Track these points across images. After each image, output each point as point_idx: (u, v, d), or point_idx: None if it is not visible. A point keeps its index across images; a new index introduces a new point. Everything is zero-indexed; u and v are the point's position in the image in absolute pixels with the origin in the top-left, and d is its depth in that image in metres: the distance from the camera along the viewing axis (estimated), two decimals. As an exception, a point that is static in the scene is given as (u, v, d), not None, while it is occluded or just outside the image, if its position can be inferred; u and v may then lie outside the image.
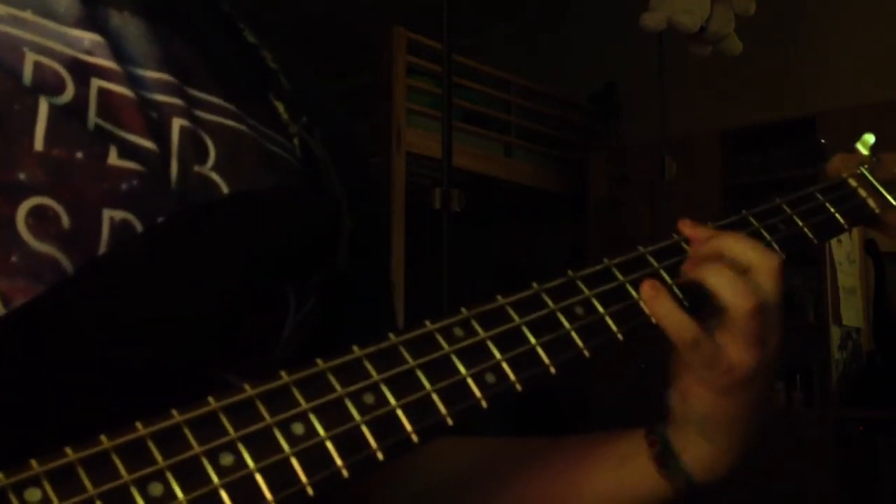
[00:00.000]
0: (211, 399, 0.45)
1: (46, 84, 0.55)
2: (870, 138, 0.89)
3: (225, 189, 0.61)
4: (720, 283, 0.64)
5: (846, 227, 0.81)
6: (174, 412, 0.43)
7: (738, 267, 0.66)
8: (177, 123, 0.60)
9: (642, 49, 4.34)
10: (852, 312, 4.37)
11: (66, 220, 0.53)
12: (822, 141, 0.92)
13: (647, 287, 0.64)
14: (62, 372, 0.48)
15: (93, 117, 0.56)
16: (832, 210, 0.81)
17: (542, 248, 5.63)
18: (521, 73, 5.19)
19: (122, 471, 0.40)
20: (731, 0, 3.92)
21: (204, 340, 0.55)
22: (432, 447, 0.63)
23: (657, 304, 0.64)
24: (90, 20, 0.59)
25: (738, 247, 0.67)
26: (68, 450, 0.40)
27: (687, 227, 0.71)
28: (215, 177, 0.61)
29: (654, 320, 0.64)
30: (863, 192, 0.84)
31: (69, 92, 0.56)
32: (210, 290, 0.55)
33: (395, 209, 4.24)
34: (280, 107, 0.70)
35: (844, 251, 4.32)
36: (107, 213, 0.54)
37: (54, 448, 0.41)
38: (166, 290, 0.53)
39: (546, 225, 5.70)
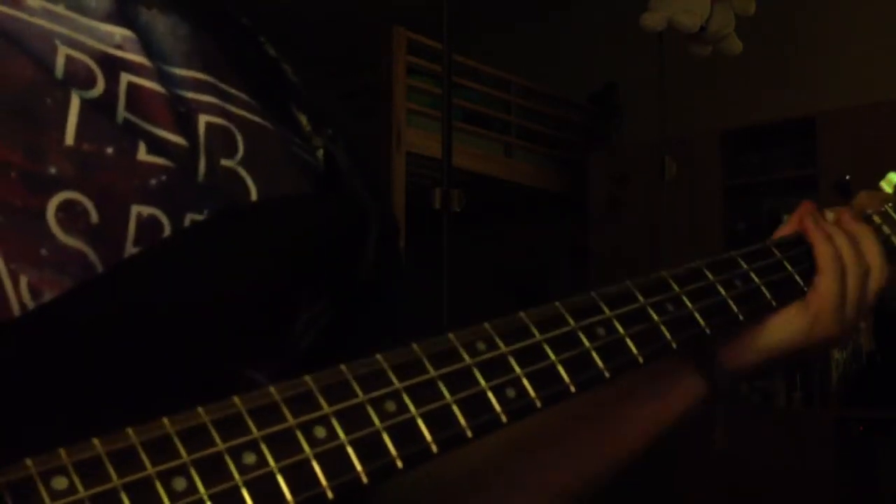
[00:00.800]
0: (236, 399, 0.45)
1: (77, 78, 0.55)
2: (894, 177, 0.93)
3: (251, 184, 0.61)
4: (831, 256, 0.78)
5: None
6: (200, 410, 0.44)
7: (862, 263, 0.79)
8: (203, 119, 0.60)
9: (642, 49, 4.34)
10: (852, 312, 4.36)
11: (94, 215, 0.53)
12: (847, 177, 0.95)
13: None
14: (89, 367, 0.48)
15: (122, 112, 0.57)
16: None
17: (542, 248, 5.63)
18: (521, 73, 5.19)
19: (147, 464, 0.41)
20: (731, 0, 3.93)
21: (227, 339, 0.55)
22: None
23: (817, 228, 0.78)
24: (121, 15, 0.60)
25: (872, 243, 0.80)
26: (95, 441, 0.41)
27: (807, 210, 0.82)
28: (242, 172, 0.61)
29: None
30: (886, 230, 0.88)
31: (99, 86, 0.56)
32: (236, 292, 0.55)
33: (396, 209, 4.23)
34: (303, 119, 0.71)
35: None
36: (135, 209, 0.54)
37: (80, 441, 0.41)
38: (193, 291, 0.53)
39: (546, 225, 5.70)
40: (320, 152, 0.70)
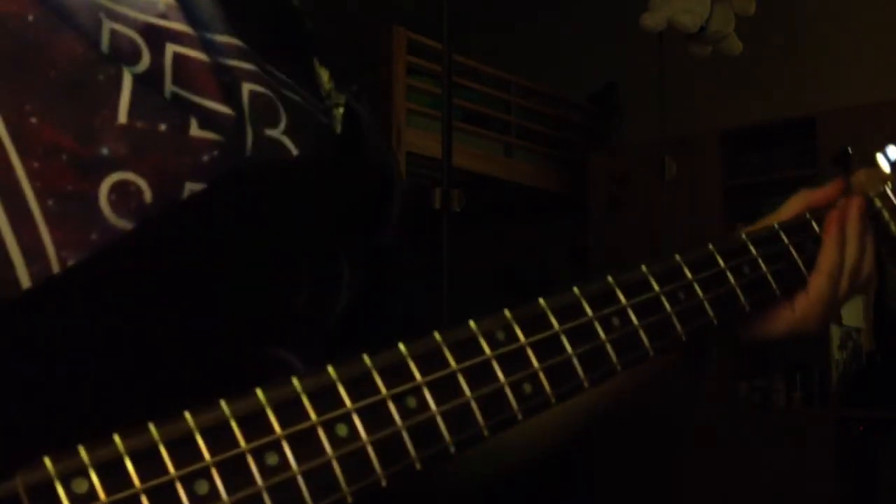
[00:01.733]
0: (259, 393, 0.44)
1: (123, 53, 0.54)
2: (891, 152, 0.89)
3: (296, 153, 0.60)
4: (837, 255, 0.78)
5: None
6: (223, 404, 0.43)
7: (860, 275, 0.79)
8: (247, 88, 0.59)
9: (642, 49, 4.34)
10: (852, 312, 4.34)
11: (148, 195, 0.52)
12: (849, 149, 0.91)
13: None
14: (112, 338, 0.47)
15: (169, 85, 0.55)
16: None
17: (542, 248, 5.62)
18: (521, 73, 5.19)
19: (170, 465, 0.40)
20: (731, 0, 3.93)
21: (262, 311, 0.54)
22: None
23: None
24: None
25: (871, 259, 0.80)
26: (117, 438, 0.40)
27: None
28: (287, 141, 0.59)
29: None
30: (886, 215, 0.85)
31: (145, 60, 0.55)
32: (270, 253, 0.54)
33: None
34: (325, 75, 0.69)
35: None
36: (188, 186, 0.53)
37: (102, 421, 0.40)
38: (223, 255, 0.52)
39: (546, 225, 5.69)
40: (339, 110, 0.68)
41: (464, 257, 3.48)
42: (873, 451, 4.20)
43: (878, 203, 0.85)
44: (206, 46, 0.58)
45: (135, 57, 0.54)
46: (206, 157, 0.54)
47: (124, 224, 0.51)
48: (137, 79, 0.53)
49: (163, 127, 0.53)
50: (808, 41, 4.86)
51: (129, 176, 0.51)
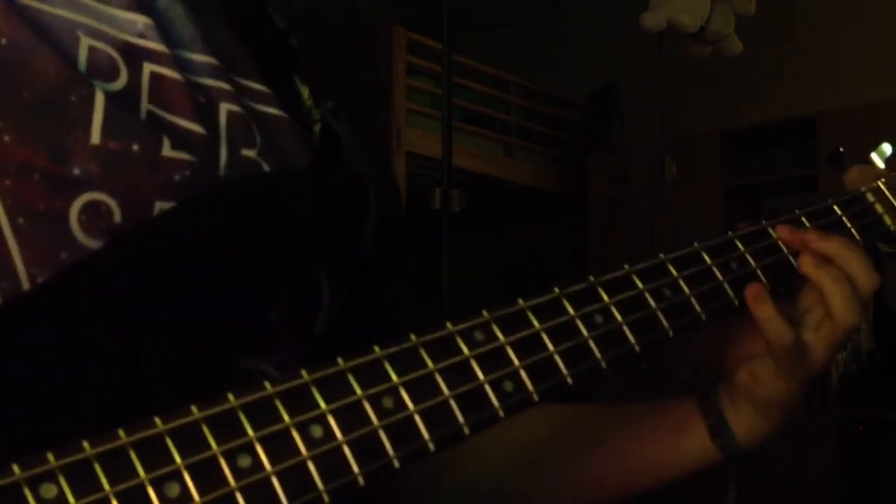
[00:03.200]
0: (231, 396, 0.44)
1: (100, 70, 0.54)
2: (886, 149, 0.89)
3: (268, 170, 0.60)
4: (837, 293, 0.70)
5: (861, 243, 0.81)
6: (194, 408, 0.43)
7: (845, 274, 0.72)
8: (224, 108, 0.59)
9: (642, 49, 4.33)
10: (852, 312, 4.36)
11: (117, 214, 0.52)
12: (841, 149, 0.91)
13: (754, 290, 0.70)
14: (83, 355, 0.47)
15: (145, 104, 0.56)
16: (849, 225, 0.81)
17: (543, 249, 5.62)
18: (521, 73, 5.19)
19: (140, 469, 0.40)
20: (731, 0, 3.92)
21: (237, 324, 0.54)
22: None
23: (763, 308, 0.69)
24: (140, 2, 0.58)
25: (852, 260, 0.73)
26: (86, 444, 0.40)
27: (786, 232, 0.75)
28: (262, 161, 0.60)
29: (757, 320, 0.69)
30: (879, 208, 0.84)
31: (122, 78, 0.55)
32: (243, 269, 0.54)
33: (395, 209, 4.23)
34: (305, 91, 0.70)
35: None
36: (158, 205, 0.53)
37: (72, 433, 0.40)
38: (196, 269, 0.52)
39: (546, 225, 5.69)
40: (318, 126, 0.69)
41: (464, 257, 3.48)
42: (873, 451, 4.19)
43: (870, 197, 0.84)
44: (183, 66, 0.58)
45: (112, 74, 0.55)
46: (177, 177, 0.54)
47: (94, 244, 0.51)
48: (112, 98, 0.54)
49: (135, 147, 0.53)
50: (808, 41, 4.86)
51: (99, 196, 0.52)
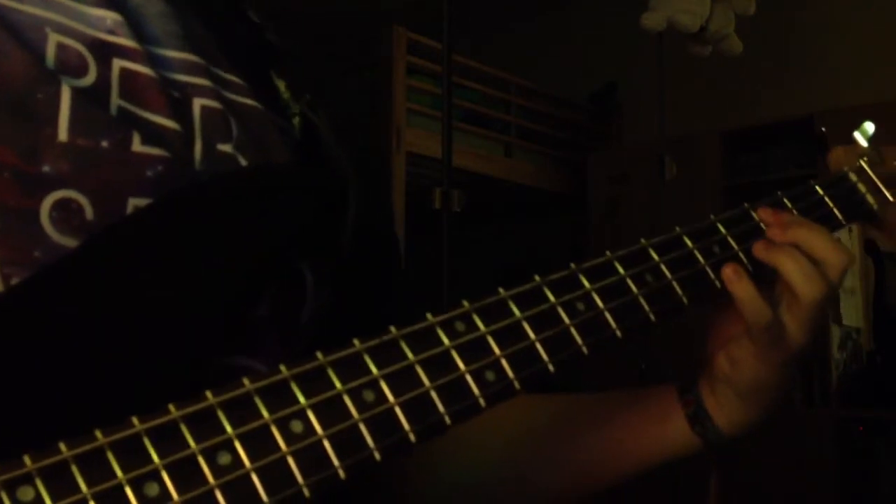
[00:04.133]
0: (209, 394, 0.44)
1: (69, 66, 0.54)
2: (868, 128, 0.88)
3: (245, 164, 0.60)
4: (795, 270, 0.70)
5: (844, 223, 0.81)
6: (172, 407, 0.43)
7: (810, 257, 0.71)
8: (198, 103, 0.59)
9: (642, 49, 4.33)
10: (852, 312, 4.37)
11: (89, 212, 0.52)
12: (823, 129, 0.91)
13: (731, 269, 0.70)
14: (63, 354, 0.47)
15: (115, 99, 0.55)
16: (831, 205, 0.80)
17: (543, 249, 5.62)
18: (521, 73, 5.19)
19: (118, 469, 0.40)
20: (731, 0, 3.92)
21: (219, 321, 0.54)
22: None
23: (740, 286, 0.69)
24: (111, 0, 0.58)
25: (816, 239, 0.72)
26: (62, 445, 0.40)
27: (766, 213, 0.76)
28: (238, 155, 0.60)
29: (735, 299, 0.69)
30: (862, 188, 0.84)
31: (91, 74, 0.55)
32: (225, 265, 0.54)
33: (395, 209, 4.24)
34: (281, 85, 0.70)
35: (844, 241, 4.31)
36: (132, 202, 0.53)
37: (50, 437, 0.40)
38: (176, 267, 0.52)
39: (546, 225, 5.69)
40: (297, 120, 0.69)
41: (464, 257, 3.48)
42: (873, 451, 4.19)
43: (853, 177, 0.84)
44: (155, 62, 0.58)
45: (81, 70, 0.55)
46: (149, 173, 0.54)
47: (67, 241, 0.51)
48: (80, 94, 0.53)
49: (105, 143, 0.53)
50: (808, 41, 4.86)
51: (70, 194, 0.52)
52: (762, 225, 0.75)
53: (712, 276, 0.70)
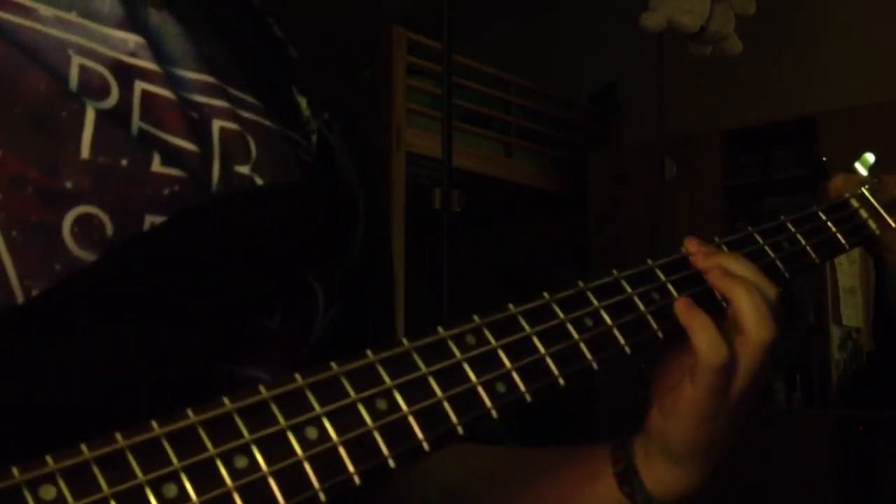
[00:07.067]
0: (226, 400, 0.45)
1: (92, 88, 0.55)
2: (869, 158, 0.91)
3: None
4: (746, 302, 0.65)
5: (847, 247, 0.83)
6: (189, 412, 0.43)
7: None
8: (217, 125, 0.60)
9: (642, 49, 4.34)
10: (852, 312, 4.38)
11: (109, 228, 0.53)
12: (824, 159, 0.93)
13: (684, 302, 0.65)
14: (79, 366, 0.48)
15: (136, 121, 0.56)
16: (833, 230, 0.82)
17: (543, 249, 5.63)
18: (521, 73, 5.19)
19: (137, 471, 0.40)
20: (731, 0, 3.93)
21: (230, 332, 0.54)
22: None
23: (693, 318, 0.64)
24: (132, 21, 0.59)
25: (757, 274, 0.68)
26: (84, 447, 0.40)
27: (693, 245, 0.71)
28: (255, 177, 0.60)
29: (687, 332, 0.64)
30: (864, 213, 0.86)
31: (114, 96, 0.56)
32: (237, 279, 0.55)
33: (395, 209, 4.24)
34: (303, 102, 0.70)
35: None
36: (149, 219, 0.54)
37: (70, 442, 0.41)
38: (189, 279, 0.53)
39: (546, 225, 5.70)
40: (314, 136, 0.69)
41: (464, 257, 3.48)
42: (873, 451, 4.19)
43: (854, 203, 0.86)
44: (175, 84, 0.59)
45: (103, 92, 0.55)
46: (166, 191, 0.55)
47: (87, 255, 0.52)
48: (103, 114, 0.54)
49: (124, 162, 0.54)
50: (808, 41, 4.86)
51: (91, 209, 0.52)
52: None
53: (719, 298, 0.68)
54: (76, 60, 0.55)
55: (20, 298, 0.49)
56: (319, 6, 5.19)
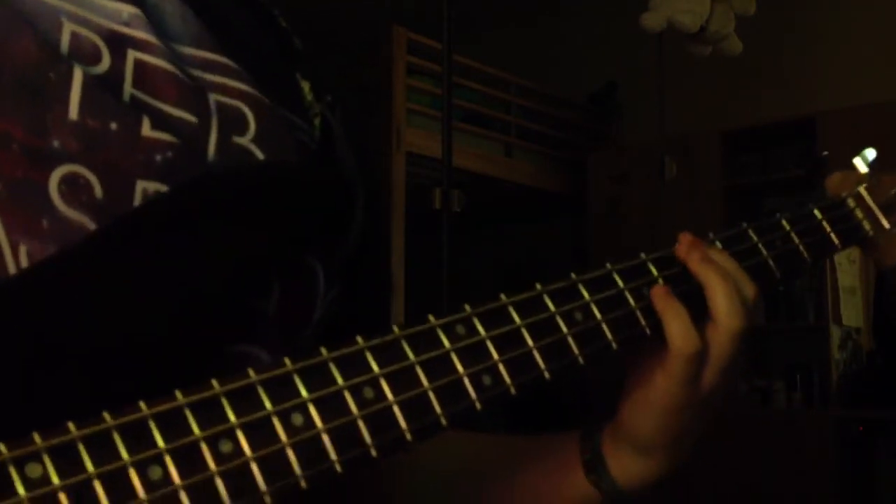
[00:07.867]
0: (215, 383, 0.45)
1: (82, 54, 0.55)
2: (869, 154, 0.88)
3: (263, 159, 0.61)
4: (720, 290, 0.65)
5: (839, 248, 0.81)
6: (178, 394, 0.44)
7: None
8: (214, 97, 0.60)
9: (642, 49, 4.34)
10: (852, 312, 4.38)
11: (98, 190, 0.53)
12: (825, 153, 0.91)
13: (661, 289, 0.64)
14: (73, 339, 0.48)
15: (128, 88, 0.56)
16: (828, 229, 0.81)
17: (543, 249, 5.63)
18: (521, 73, 5.19)
19: (123, 451, 0.41)
20: (731, 0, 3.93)
21: (229, 309, 0.54)
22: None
23: (668, 305, 0.64)
24: None
25: (727, 265, 0.67)
26: (71, 425, 0.41)
27: (685, 237, 0.70)
28: (254, 148, 0.60)
29: (661, 319, 0.64)
30: (859, 214, 0.84)
31: (105, 63, 0.56)
32: (236, 255, 0.55)
33: (395, 209, 4.24)
34: (306, 86, 0.70)
35: (845, 251, 4.32)
36: (140, 185, 0.54)
37: (63, 417, 0.41)
38: (188, 254, 0.53)
39: (546, 225, 5.70)
40: (318, 120, 0.69)
41: (464, 257, 3.48)
42: (873, 451, 4.19)
43: (851, 203, 0.84)
44: (173, 56, 0.59)
45: (94, 58, 0.55)
46: (158, 157, 0.55)
47: (75, 215, 0.52)
48: (93, 78, 0.54)
49: (114, 125, 0.54)
50: (809, 41, 4.86)
51: (79, 169, 0.52)
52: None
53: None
54: (68, 27, 0.55)
55: (8, 254, 0.50)
56: (320, 6, 5.19)
